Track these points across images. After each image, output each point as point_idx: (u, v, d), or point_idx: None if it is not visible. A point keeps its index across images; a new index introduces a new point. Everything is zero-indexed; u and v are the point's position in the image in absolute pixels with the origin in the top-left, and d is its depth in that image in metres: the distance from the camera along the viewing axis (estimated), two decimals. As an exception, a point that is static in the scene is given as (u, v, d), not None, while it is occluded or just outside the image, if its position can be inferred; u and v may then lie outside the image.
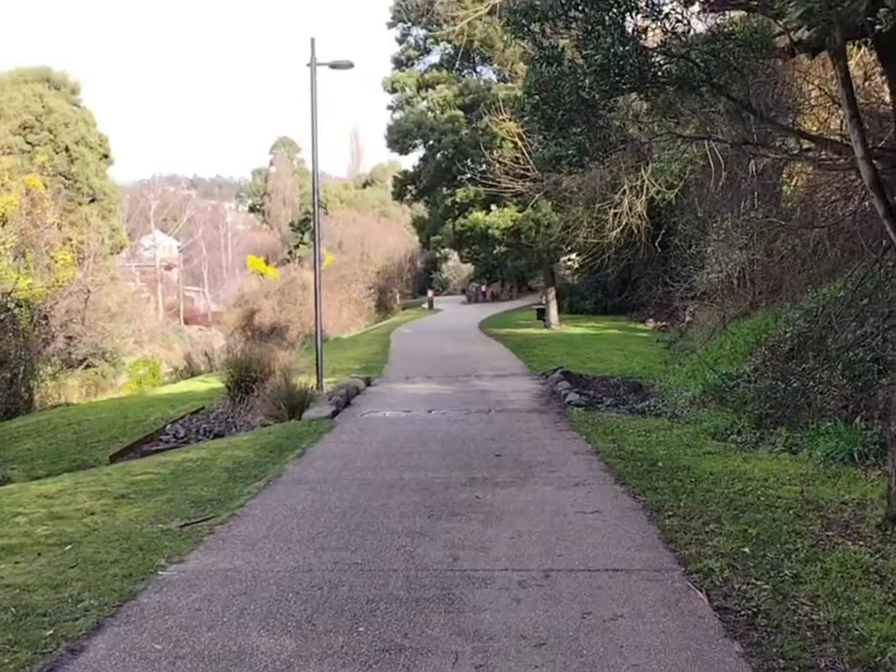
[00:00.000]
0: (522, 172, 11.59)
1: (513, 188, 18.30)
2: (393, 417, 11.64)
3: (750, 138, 12.18)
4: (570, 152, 7.11)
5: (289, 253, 69.56)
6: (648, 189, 10.28)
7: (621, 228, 10.93)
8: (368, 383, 15.94)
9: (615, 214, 10.80)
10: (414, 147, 26.84)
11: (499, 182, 26.39)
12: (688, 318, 27.27)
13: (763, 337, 14.55)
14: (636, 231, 11.44)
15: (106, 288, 37.86)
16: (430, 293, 53.20)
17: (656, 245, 15.98)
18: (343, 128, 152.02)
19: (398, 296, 58.92)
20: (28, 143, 35.88)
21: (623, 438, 9.34)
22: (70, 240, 25.92)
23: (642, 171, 10.47)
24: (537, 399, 13.19)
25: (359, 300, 50.96)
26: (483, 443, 9.33)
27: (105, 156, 41.43)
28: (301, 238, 73.41)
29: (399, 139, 26.07)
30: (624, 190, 10.82)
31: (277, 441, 9.65)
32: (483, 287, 55.08)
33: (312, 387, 15.52)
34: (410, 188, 29.16)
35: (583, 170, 8.51)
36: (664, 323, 29.08)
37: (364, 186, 77.75)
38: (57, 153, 37.84)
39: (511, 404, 12.64)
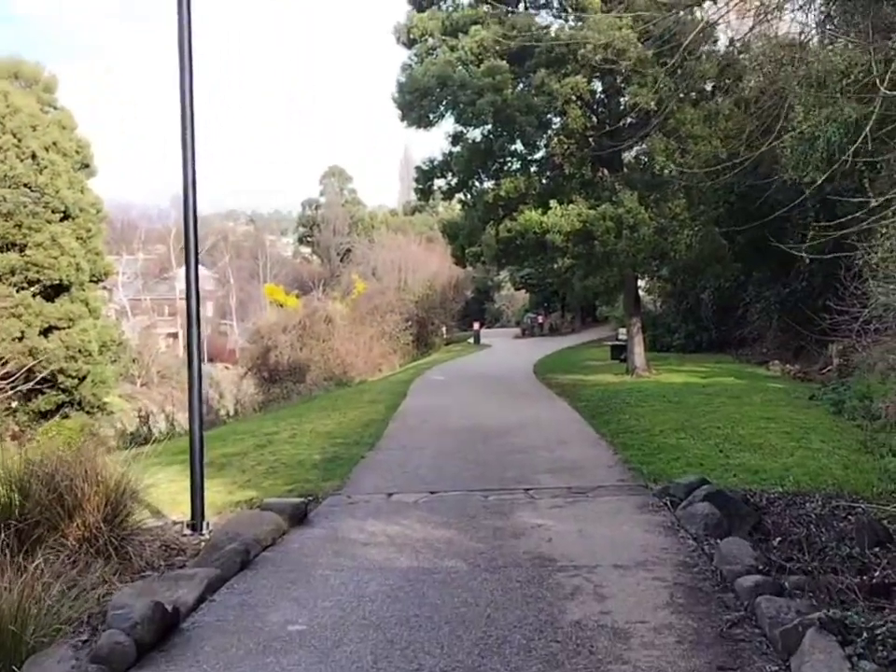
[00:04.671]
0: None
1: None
2: None
3: None
4: None
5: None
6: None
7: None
8: (301, 515, 7.62)
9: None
10: (439, 116, 18.08)
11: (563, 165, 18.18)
12: (836, 360, 18.70)
13: None
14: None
15: (83, 323, 33.20)
16: (476, 325, 45.13)
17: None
18: (395, 158, 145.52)
19: (443, 329, 50.91)
20: (-15, 148, 29.52)
21: None
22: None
23: None
24: (682, 609, 4.79)
25: (395, 334, 43.57)
26: None
27: (86, 165, 35.05)
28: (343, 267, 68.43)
29: (415, 102, 16.93)
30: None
31: None
32: (540, 318, 46.80)
33: (180, 527, 7.43)
34: (438, 182, 20.74)
35: None
36: (799, 367, 20.31)
37: (413, 212, 70.84)
38: (21, 160, 31.68)
39: (619, 646, 4.29)
